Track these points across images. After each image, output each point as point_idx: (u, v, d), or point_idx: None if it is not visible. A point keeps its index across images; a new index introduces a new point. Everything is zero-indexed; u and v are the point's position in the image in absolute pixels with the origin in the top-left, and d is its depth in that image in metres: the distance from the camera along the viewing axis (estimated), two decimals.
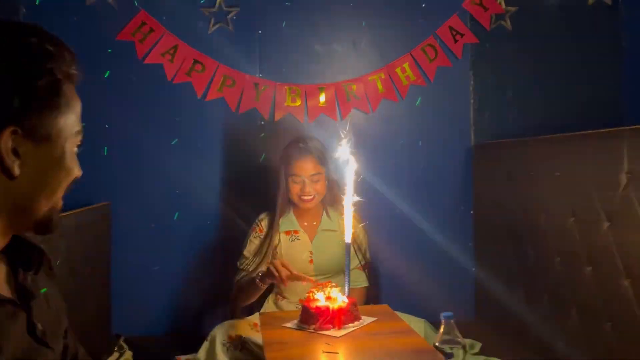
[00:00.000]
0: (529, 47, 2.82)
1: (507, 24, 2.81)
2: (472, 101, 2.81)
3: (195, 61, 2.62)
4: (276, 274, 1.82)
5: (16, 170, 0.77)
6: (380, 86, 2.74)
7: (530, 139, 2.37)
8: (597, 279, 1.83)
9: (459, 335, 1.61)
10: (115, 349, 1.87)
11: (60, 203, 0.87)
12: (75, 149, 0.88)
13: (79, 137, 0.88)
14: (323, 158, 2.17)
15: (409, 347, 1.53)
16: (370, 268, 2.36)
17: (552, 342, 2.08)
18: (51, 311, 0.90)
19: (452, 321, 1.61)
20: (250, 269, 2.14)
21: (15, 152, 0.77)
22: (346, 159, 1.83)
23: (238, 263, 2.20)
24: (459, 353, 1.55)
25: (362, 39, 2.75)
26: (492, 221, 2.60)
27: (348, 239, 1.83)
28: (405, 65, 2.76)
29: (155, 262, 2.59)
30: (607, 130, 1.83)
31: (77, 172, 0.88)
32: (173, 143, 2.58)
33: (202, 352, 2.03)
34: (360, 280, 2.29)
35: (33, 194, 0.82)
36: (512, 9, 2.80)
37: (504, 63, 2.81)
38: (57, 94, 0.83)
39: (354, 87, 2.73)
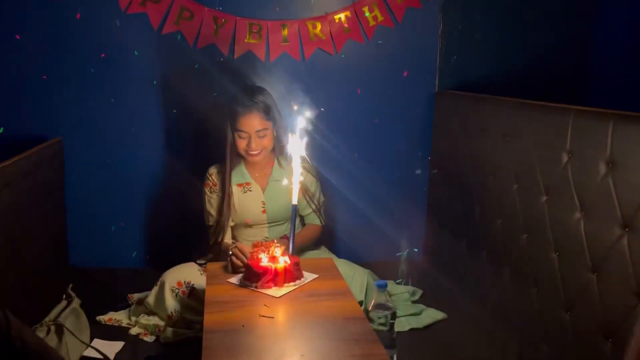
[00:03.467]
0: None
1: None
2: (439, 46, 2.74)
3: None
4: (237, 262, 1.85)
5: None
6: (346, 26, 2.65)
7: (487, 97, 2.36)
8: (530, 247, 1.92)
9: (390, 302, 1.71)
10: (64, 297, 1.93)
11: None
12: None
13: None
14: (269, 111, 2.14)
15: (341, 312, 1.61)
16: (324, 209, 2.41)
17: (486, 293, 2.22)
18: None
19: (385, 290, 1.71)
20: (219, 226, 2.19)
21: None
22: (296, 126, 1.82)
23: (205, 220, 2.24)
24: (385, 318, 1.66)
25: None
26: (447, 170, 2.65)
27: (294, 200, 1.87)
28: (374, 5, 2.64)
29: (110, 197, 2.61)
30: (554, 105, 1.83)
31: None
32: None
33: (151, 297, 2.11)
34: (315, 220, 2.36)
35: None
36: None
37: (475, 7, 2.71)
38: None
39: (319, 25, 2.63)
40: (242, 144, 2.13)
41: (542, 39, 2.77)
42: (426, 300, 2.38)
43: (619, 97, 2.68)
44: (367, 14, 2.65)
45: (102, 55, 2.51)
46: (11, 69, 2.45)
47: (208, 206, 2.23)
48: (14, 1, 2.42)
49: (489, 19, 2.72)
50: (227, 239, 2.21)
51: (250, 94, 2.15)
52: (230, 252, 1.88)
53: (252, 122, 2.10)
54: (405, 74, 2.73)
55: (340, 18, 2.63)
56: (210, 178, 2.23)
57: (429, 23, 2.71)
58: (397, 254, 1.67)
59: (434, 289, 2.48)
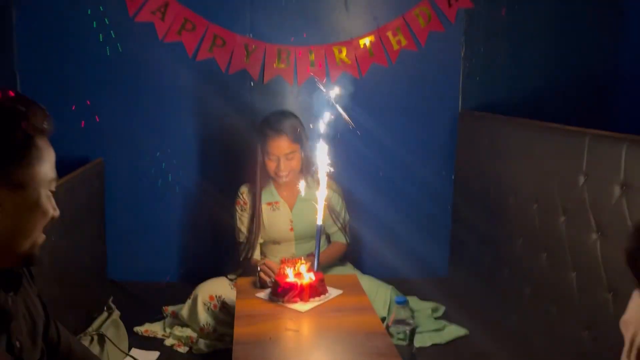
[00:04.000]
0: (524, 16, 2.78)
1: None
2: (462, 68, 2.82)
3: (186, 20, 2.63)
4: (265, 278, 1.96)
5: None
6: (370, 50, 2.75)
7: (508, 118, 2.42)
8: (550, 266, 1.96)
9: (410, 317, 1.78)
10: (105, 308, 2.07)
11: (41, 238, 1.00)
12: (50, 193, 0.99)
13: (54, 184, 0.99)
14: (297, 135, 2.25)
15: (363, 327, 1.70)
16: (349, 228, 2.50)
17: (509, 311, 2.26)
18: (28, 323, 1.05)
19: (405, 306, 1.78)
20: (248, 243, 2.31)
21: (4, 200, 0.88)
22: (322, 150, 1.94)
23: (236, 236, 2.37)
24: (404, 334, 1.73)
25: (354, 1, 2.72)
26: (471, 188, 2.70)
27: (319, 221, 1.97)
28: (397, 29, 2.75)
29: (146, 215, 2.76)
30: (571, 128, 1.89)
31: (52, 212, 0.99)
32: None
33: (184, 310, 2.23)
34: (340, 238, 2.45)
35: (11, 234, 0.94)
36: None
37: (497, 30, 2.79)
38: (30, 147, 0.93)
39: (345, 50, 2.74)
40: (271, 166, 2.25)
41: (563, 61, 2.83)
42: (449, 316, 2.43)
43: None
44: (391, 38, 2.75)
45: (141, 81, 2.67)
46: (59, 96, 2.63)
47: (239, 223, 2.35)
48: (59, 35, 2.60)
49: (510, 42, 2.79)
50: (257, 256, 2.32)
51: (279, 118, 2.26)
52: (259, 269, 1.98)
53: (281, 146, 2.22)
54: (427, 96, 2.81)
55: (365, 43, 2.74)
56: (241, 197, 2.35)
57: (452, 46, 2.79)
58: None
59: (457, 306, 2.53)
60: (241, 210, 2.34)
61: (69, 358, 1.22)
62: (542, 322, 2.00)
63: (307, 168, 2.32)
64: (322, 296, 1.89)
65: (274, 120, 2.25)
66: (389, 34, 2.75)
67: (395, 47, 2.76)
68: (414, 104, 2.82)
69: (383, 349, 1.57)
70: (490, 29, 2.78)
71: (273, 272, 1.93)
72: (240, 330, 1.68)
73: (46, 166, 0.97)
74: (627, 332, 0.79)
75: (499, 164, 2.39)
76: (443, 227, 2.92)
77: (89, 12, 2.58)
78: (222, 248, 2.70)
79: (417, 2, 2.73)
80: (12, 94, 0.93)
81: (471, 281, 2.67)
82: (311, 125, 2.22)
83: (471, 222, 2.69)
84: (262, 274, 1.96)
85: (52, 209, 0.99)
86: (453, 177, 2.88)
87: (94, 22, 2.58)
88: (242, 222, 2.35)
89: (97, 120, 2.64)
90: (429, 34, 2.76)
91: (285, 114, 2.31)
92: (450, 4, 2.75)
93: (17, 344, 0.98)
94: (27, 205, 0.95)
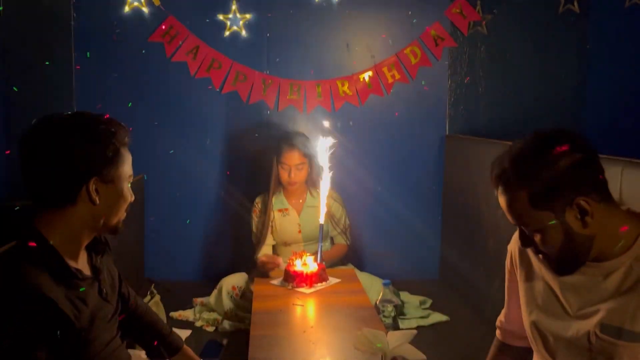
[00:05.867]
0: (502, 51, 3.25)
1: (483, 29, 3.24)
2: (448, 97, 3.29)
3: (214, 59, 3.15)
4: (264, 259, 2.44)
5: (97, 201, 1.35)
6: (369, 83, 3.24)
7: (487, 140, 2.86)
8: None
9: (394, 297, 2.21)
10: (148, 293, 2.53)
11: (123, 216, 1.46)
12: (129, 185, 1.45)
13: (131, 178, 1.46)
14: (306, 150, 2.74)
15: (355, 303, 2.14)
16: (349, 232, 2.94)
17: (485, 303, 2.66)
18: (109, 278, 1.51)
19: (389, 287, 2.21)
20: (260, 243, 2.79)
21: (96, 190, 1.35)
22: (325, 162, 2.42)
23: (253, 239, 2.84)
24: (389, 310, 2.16)
25: (355, 43, 3.22)
26: (459, 203, 3.12)
27: (322, 220, 2.43)
28: (392, 65, 3.24)
29: (178, 223, 3.24)
30: None
31: (131, 198, 1.46)
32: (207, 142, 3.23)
33: (212, 298, 2.69)
34: (341, 240, 2.90)
35: (107, 213, 1.40)
36: (488, 16, 3.22)
37: (477, 65, 3.26)
38: (117, 155, 1.39)
39: (347, 83, 3.23)
40: (284, 175, 2.73)
41: (536, 90, 3.28)
42: (435, 308, 2.84)
43: (610, 142, 3.11)
44: (386, 73, 3.24)
45: (176, 109, 3.19)
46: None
47: (254, 228, 2.81)
48: (113, 71, 3.14)
49: (489, 75, 3.26)
50: (261, 255, 2.72)
51: (292, 135, 2.80)
52: (258, 259, 2.47)
53: (293, 157, 2.71)
54: (418, 121, 3.28)
55: (364, 77, 3.23)
56: (256, 206, 2.83)
57: (439, 79, 3.27)
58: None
59: (443, 300, 2.93)
60: (256, 218, 2.81)
61: (136, 310, 1.66)
62: None
63: (312, 180, 2.79)
64: (324, 282, 2.33)
65: (289, 137, 2.77)
66: (385, 69, 3.23)
67: (390, 80, 3.24)
68: (406, 128, 3.29)
69: (368, 318, 2.00)
70: (472, 64, 3.26)
71: (271, 260, 2.41)
72: (257, 305, 2.13)
73: (127, 166, 1.42)
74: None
75: (480, 181, 2.80)
76: (433, 234, 3.34)
77: (143, 52, 3.10)
78: (243, 249, 3.14)
79: (408, 42, 3.22)
80: (107, 116, 1.39)
81: (457, 280, 3.08)
82: (327, 148, 2.67)
83: (456, 230, 3.12)
84: (263, 258, 2.44)
85: (130, 196, 1.45)
86: (441, 192, 3.33)
87: (139, 64, 3.12)
88: (257, 227, 2.81)
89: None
90: (419, 69, 3.24)
91: (298, 133, 2.83)
92: (437, 44, 3.24)
93: (104, 290, 1.43)
94: (116, 194, 1.40)
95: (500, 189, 1.21)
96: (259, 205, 2.82)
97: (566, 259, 1.17)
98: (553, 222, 1.13)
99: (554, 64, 3.29)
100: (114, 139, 1.36)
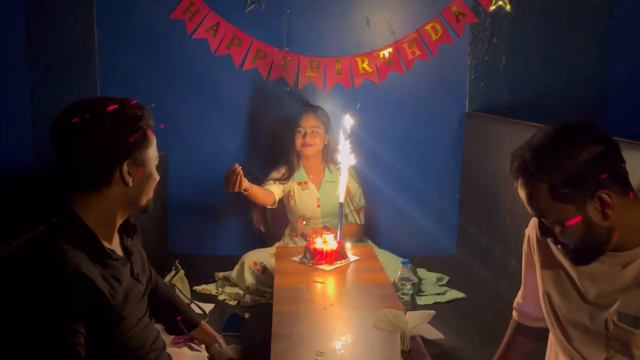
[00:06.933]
0: (524, 28, 3.21)
1: (506, 4, 3.19)
2: (468, 74, 3.26)
3: (234, 36, 3.16)
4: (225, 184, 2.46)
5: (130, 182, 1.40)
6: (389, 59, 3.23)
7: (507, 119, 2.86)
8: None
9: (413, 275, 2.26)
10: (173, 268, 2.61)
11: (151, 195, 1.51)
12: (156, 166, 1.50)
13: (157, 159, 1.50)
14: (323, 118, 2.84)
15: (374, 281, 2.19)
16: (364, 212, 2.98)
17: (500, 279, 2.70)
18: (140, 259, 1.57)
19: (408, 266, 2.26)
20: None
21: (128, 173, 1.39)
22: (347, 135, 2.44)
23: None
24: (408, 288, 2.21)
25: (375, 18, 3.20)
26: (477, 181, 3.14)
27: (342, 199, 2.47)
28: (412, 42, 3.21)
29: (200, 199, 3.31)
30: None
31: (157, 178, 1.50)
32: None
33: (234, 273, 2.77)
34: (356, 219, 2.94)
35: (138, 194, 1.45)
36: None
37: (499, 41, 3.22)
38: (145, 138, 1.44)
39: (366, 60, 3.22)
40: (299, 139, 2.82)
41: (559, 68, 3.24)
42: (452, 285, 2.89)
43: (634, 123, 3.07)
44: (406, 49, 3.22)
45: (197, 86, 3.22)
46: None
47: (270, 176, 2.87)
48: (120, 51, 3.17)
49: (510, 52, 3.23)
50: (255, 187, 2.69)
51: (312, 105, 2.96)
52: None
53: (309, 120, 2.82)
54: (438, 98, 3.27)
55: (384, 54, 3.22)
56: (280, 169, 2.91)
57: (459, 56, 3.24)
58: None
59: (460, 277, 2.98)
60: (276, 172, 2.87)
61: (156, 288, 1.74)
62: None
63: (329, 155, 2.83)
64: (343, 260, 2.38)
65: (308, 105, 2.93)
66: (405, 45, 3.21)
67: (410, 57, 3.23)
68: (426, 106, 3.28)
69: (388, 296, 2.05)
70: (493, 40, 3.22)
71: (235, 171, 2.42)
72: (279, 281, 2.19)
73: (153, 148, 1.46)
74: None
75: (499, 159, 2.81)
76: (451, 212, 3.37)
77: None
78: (265, 224, 3.20)
79: (429, 19, 3.19)
80: (134, 102, 1.43)
81: (474, 257, 3.12)
82: (347, 125, 2.68)
83: (474, 208, 3.14)
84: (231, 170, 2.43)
85: (157, 177, 1.50)
86: (460, 169, 3.34)
87: (159, 41, 3.15)
88: (271, 176, 2.86)
89: (162, 127, 3.18)
90: (439, 46, 3.22)
91: (317, 105, 2.93)
92: (458, 20, 3.20)
93: (136, 270, 1.50)
94: (145, 175, 1.45)
95: (520, 182, 1.23)
96: (282, 169, 2.90)
97: (585, 250, 1.19)
98: (573, 214, 1.15)
99: (576, 41, 3.24)
100: (142, 123, 1.40)
